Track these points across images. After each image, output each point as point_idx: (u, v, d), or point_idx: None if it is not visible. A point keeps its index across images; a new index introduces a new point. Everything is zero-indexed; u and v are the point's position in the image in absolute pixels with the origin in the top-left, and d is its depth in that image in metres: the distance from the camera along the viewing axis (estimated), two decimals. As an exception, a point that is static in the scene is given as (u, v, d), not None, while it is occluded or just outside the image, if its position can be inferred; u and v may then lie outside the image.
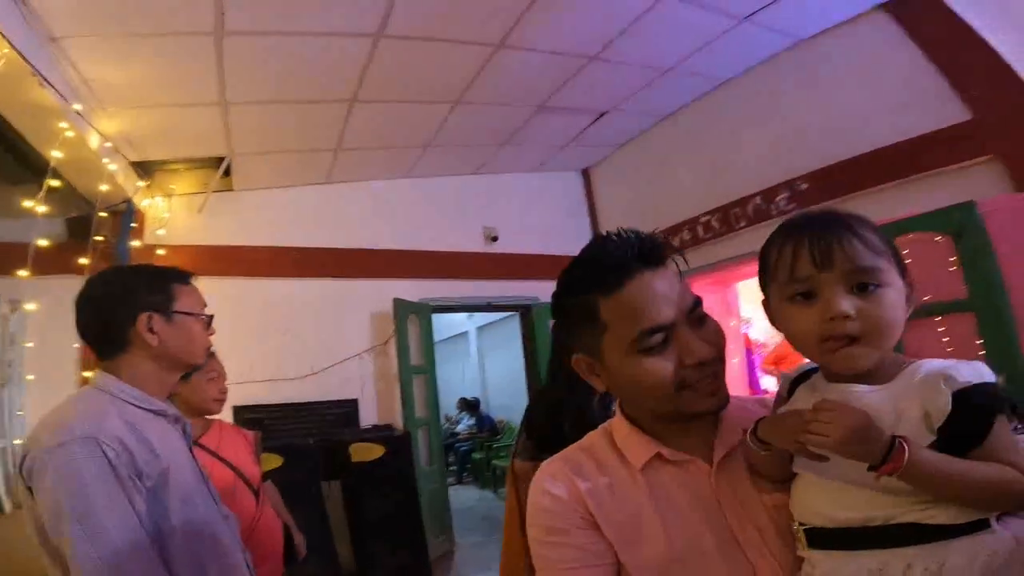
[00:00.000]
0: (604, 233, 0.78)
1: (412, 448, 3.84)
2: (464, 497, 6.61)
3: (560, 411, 1.61)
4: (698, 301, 0.75)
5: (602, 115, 4.33)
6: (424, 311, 4.64)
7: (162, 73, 2.93)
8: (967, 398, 0.59)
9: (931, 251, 2.99)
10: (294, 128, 3.76)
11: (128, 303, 1.13)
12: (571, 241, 5.26)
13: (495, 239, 5.05)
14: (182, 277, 1.23)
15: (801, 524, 0.68)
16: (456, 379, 9.43)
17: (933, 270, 2.94)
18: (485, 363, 9.00)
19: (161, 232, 3.98)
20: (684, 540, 0.71)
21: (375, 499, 3.60)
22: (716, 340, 0.74)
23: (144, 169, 3.85)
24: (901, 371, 0.65)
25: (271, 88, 3.27)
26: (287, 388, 4.12)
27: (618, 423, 0.82)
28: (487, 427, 7.83)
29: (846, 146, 3.32)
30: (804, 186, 3.57)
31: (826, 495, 0.65)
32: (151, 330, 1.13)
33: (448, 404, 9.13)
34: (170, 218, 4.12)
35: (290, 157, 4.18)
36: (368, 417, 4.30)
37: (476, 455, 7.60)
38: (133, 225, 3.81)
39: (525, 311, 5.20)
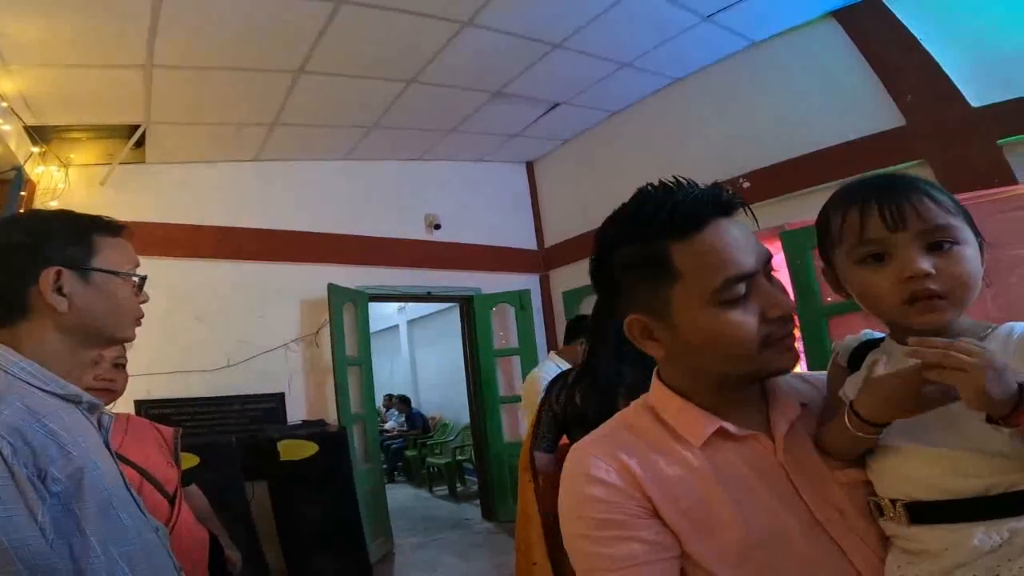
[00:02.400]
0: (656, 183, 0.69)
1: (346, 445, 3.58)
2: (399, 496, 6.39)
3: (614, 389, 1.43)
4: (771, 254, 0.69)
5: (555, 106, 4.27)
6: (361, 299, 4.38)
7: (86, 30, 2.60)
8: None
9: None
10: (227, 99, 3.43)
11: (29, 255, 0.87)
12: (514, 234, 5.30)
13: (437, 227, 4.88)
14: (109, 227, 0.97)
15: (896, 499, 0.63)
16: (385, 375, 9.11)
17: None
18: (416, 358, 8.73)
19: (54, 204, 3.50)
20: (764, 524, 0.63)
21: (308, 500, 3.33)
22: (789, 295, 0.68)
23: (40, 134, 3.40)
24: (990, 333, 0.63)
25: (209, 53, 2.96)
26: (201, 381, 3.75)
27: (663, 397, 0.73)
28: (419, 424, 7.58)
29: (789, 147, 3.44)
30: (747, 184, 3.67)
31: (937, 465, 0.60)
32: (60, 291, 0.87)
33: (376, 400, 8.81)
34: (67, 189, 3.65)
35: (217, 130, 3.81)
36: (296, 412, 4.00)
37: (409, 453, 7.34)
38: (22, 194, 3.33)
39: (466, 302, 5.04)
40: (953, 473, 0.59)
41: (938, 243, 0.62)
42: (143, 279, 1.00)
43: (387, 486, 6.72)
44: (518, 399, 4.74)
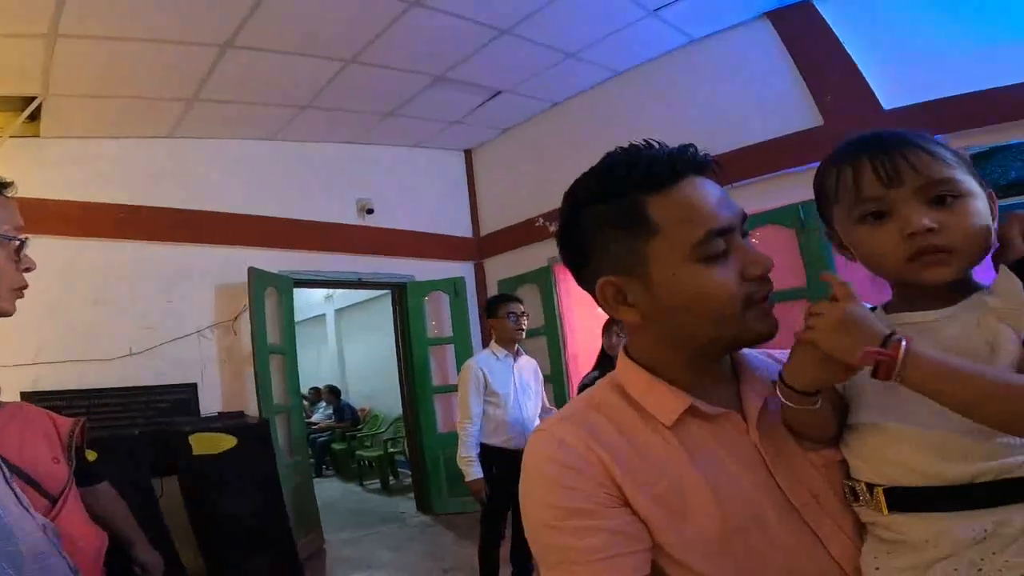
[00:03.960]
0: (628, 143, 0.67)
1: (269, 438, 3.37)
2: (329, 491, 6.15)
3: None
4: (746, 213, 0.66)
5: (497, 94, 4.21)
6: (285, 284, 4.14)
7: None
8: None
9: (780, 243, 3.35)
10: (140, 72, 3.15)
11: None
12: (449, 221, 5.20)
13: (370, 212, 4.70)
14: None
15: (874, 484, 0.59)
16: (311, 365, 8.74)
17: (781, 260, 3.29)
18: (344, 348, 8.43)
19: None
20: (741, 509, 0.59)
21: (228, 496, 3.09)
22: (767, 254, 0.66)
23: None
24: (971, 293, 0.60)
25: (124, 22, 2.71)
26: (100, 371, 3.41)
27: (629, 373, 0.69)
28: (347, 416, 7.32)
29: (719, 143, 3.53)
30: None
31: (922, 447, 0.56)
32: None
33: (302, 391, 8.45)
34: (-56, 161, 3.18)
35: (126, 104, 3.47)
36: (211, 404, 3.72)
37: (337, 446, 7.07)
38: None
39: (399, 290, 4.89)
40: (939, 456, 0.55)
41: (940, 197, 0.59)
42: (22, 242, 0.85)
43: (315, 481, 6.51)
44: (452, 389, 4.68)
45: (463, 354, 4.71)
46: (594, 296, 0.68)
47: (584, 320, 4.35)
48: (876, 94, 3.01)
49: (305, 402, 8.11)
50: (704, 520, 0.59)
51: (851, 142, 0.64)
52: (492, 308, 2.94)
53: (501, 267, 5.01)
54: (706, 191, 0.63)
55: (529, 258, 4.68)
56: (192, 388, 3.68)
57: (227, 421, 3.39)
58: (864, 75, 3.02)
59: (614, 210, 0.64)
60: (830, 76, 3.14)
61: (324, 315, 8.58)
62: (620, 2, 3.18)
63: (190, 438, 3.10)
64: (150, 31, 2.82)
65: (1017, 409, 0.49)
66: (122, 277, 3.60)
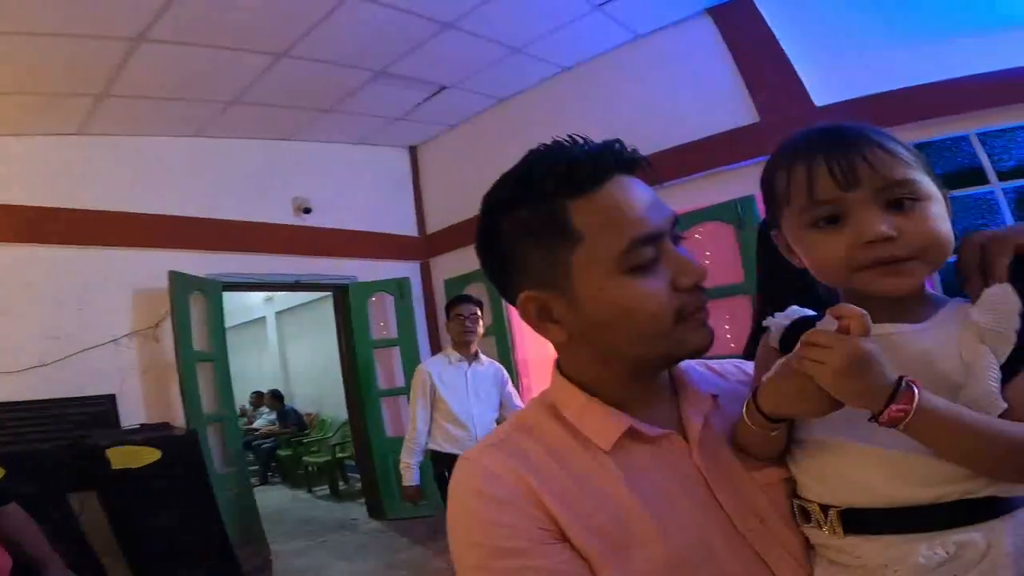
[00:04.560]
0: (548, 142, 0.61)
1: (199, 448, 3.18)
2: (274, 499, 5.91)
3: None
4: (676, 215, 0.61)
5: (442, 90, 4.10)
6: (213, 288, 3.92)
7: None
8: None
9: (719, 239, 3.41)
10: (44, 67, 2.92)
11: None
12: (394, 220, 5.05)
13: (307, 211, 4.50)
14: None
15: (828, 505, 0.55)
16: (252, 370, 8.39)
17: (720, 257, 3.35)
18: (287, 352, 8.12)
19: None
20: (686, 538, 0.55)
21: (155, 511, 2.90)
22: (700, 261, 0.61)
23: None
24: (940, 306, 0.56)
25: (21, 17, 2.51)
26: (7, 384, 3.15)
27: (563, 392, 0.63)
28: (292, 421, 7.05)
29: (660, 139, 3.56)
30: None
31: (883, 468, 0.52)
32: None
33: (242, 398, 8.09)
34: None
35: (30, 100, 3.20)
36: (132, 415, 3.48)
37: (283, 452, 6.80)
38: None
39: (341, 291, 4.72)
40: (902, 478, 0.51)
41: (898, 200, 0.54)
42: None
43: (260, 489, 6.26)
44: (400, 392, 4.58)
45: (409, 356, 4.62)
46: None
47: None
48: (808, 91, 3.08)
49: (248, 408, 7.82)
50: (647, 552, 0.54)
51: (806, 137, 0.58)
52: (446, 309, 2.87)
53: (448, 266, 4.91)
54: (633, 193, 0.58)
55: (472, 256, 4.59)
56: (110, 400, 3.43)
57: (150, 433, 3.17)
58: (797, 72, 3.08)
59: (533, 217, 0.58)
60: (766, 73, 3.20)
61: (264, 318, 8.25)
62: (569, -5, 3.14)
63: (107, 452, 2.88)
64: (55, 24, 2.62)
65: (1015, 461, 0.47)
66: (29, 284, 3.31)
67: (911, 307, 0.56)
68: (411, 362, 4.62)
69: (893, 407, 0.46)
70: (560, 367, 0.65)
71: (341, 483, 5.98)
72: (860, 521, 0.53)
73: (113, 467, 2.86)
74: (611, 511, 0.55)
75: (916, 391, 0.47)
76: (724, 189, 3.33)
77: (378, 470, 4.55)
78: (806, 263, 0.59)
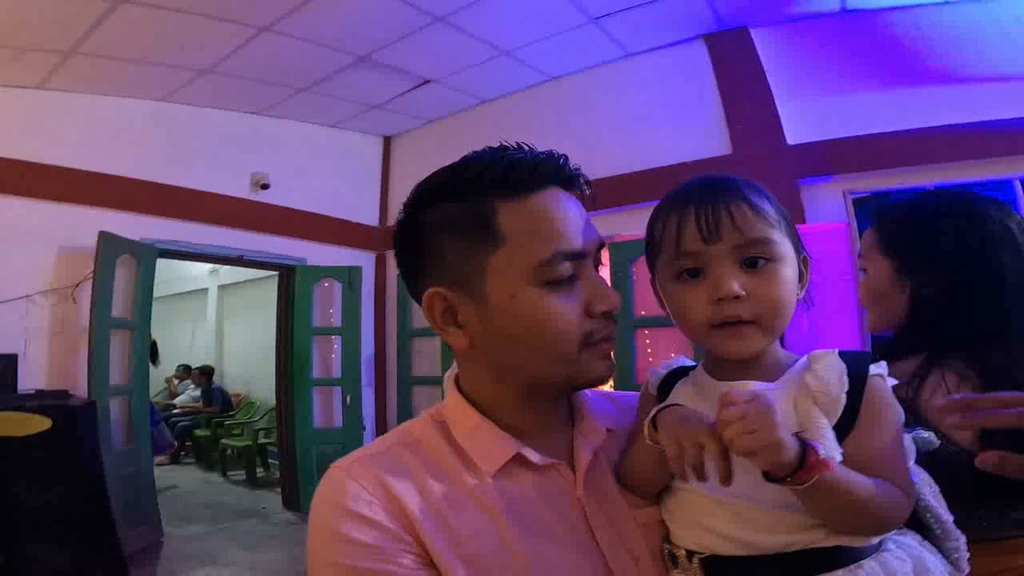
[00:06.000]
0: (500, 144, 0.61)
1: (96, 421, 2.91)
2: (184, 480, 5.59)
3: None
4: (604, 241, 0.61)
5: (424, 83, 3.99)
6: (146, 253, 3.67)
7: None
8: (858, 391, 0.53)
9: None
10: (8, 19, 2.77)
11: None
12: (356, 207, 4.88)
13: (265, 187, 4.32)
14: None
15: (693, 552, 0.55)
16: (185, 342, 7.96)
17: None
18: (224, 328, 7.74)
19: None
20: (555, 572, 0.54)
21: (34, 485, 2.65)
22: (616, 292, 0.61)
23: None
24: (791, 366, 0.57)
25: None
26: None
27: (457, 410, 0.62)
28: (217, 401, 6.68)
29: (632, 160, 3.54)
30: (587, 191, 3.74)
31: (735, 515, 0.53)
32: None
33: (172, 369, 7.67)
34: None
35: None
36: (32, 379, 3.19)
37: (200, 432, 6.42)
38: None
39: (287, 272, 4.50)
40: (751, 526, 0.52)
41: (752, 259, 0.55)
42: None
43: (168, 468, 5.97)
44: (335, 383, 4.45)
45: (352, 347, 4.47)
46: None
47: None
48: (784, 128, 3.09)
49: (175, 381, 7.39)
50: None
51: (687, 187, 0.59)
52: None
53: (406, 261, 4.75)
54: (565, 208, 0.57)
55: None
56: (10, 360, 3.14)
57: (46, 400, 2.90)
58: (777, 108, 3.09)
59: (458, 212, 0.57)
60: (747, 106, 3.20)
61: (206, 289, 7.85)
62: (563, 5, 3.08)
63: (-9, 418, 2.60)
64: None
65: (873, 519, 0.50)
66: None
67: (763, 365, 0.56)
68: (352, 354, 4.45)
69: (803, 474, 0.45)
70: (458, 382, 0.64)
71: (260, 469, 5.70)
72: (722, 569, 0.53)
73: (-3, 434, 2.59)
74: (484, 539, 0.54)
75: (818, 454, 0.46)
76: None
77: (300, 459, 4.35)
78: (672, 316, 0.59)
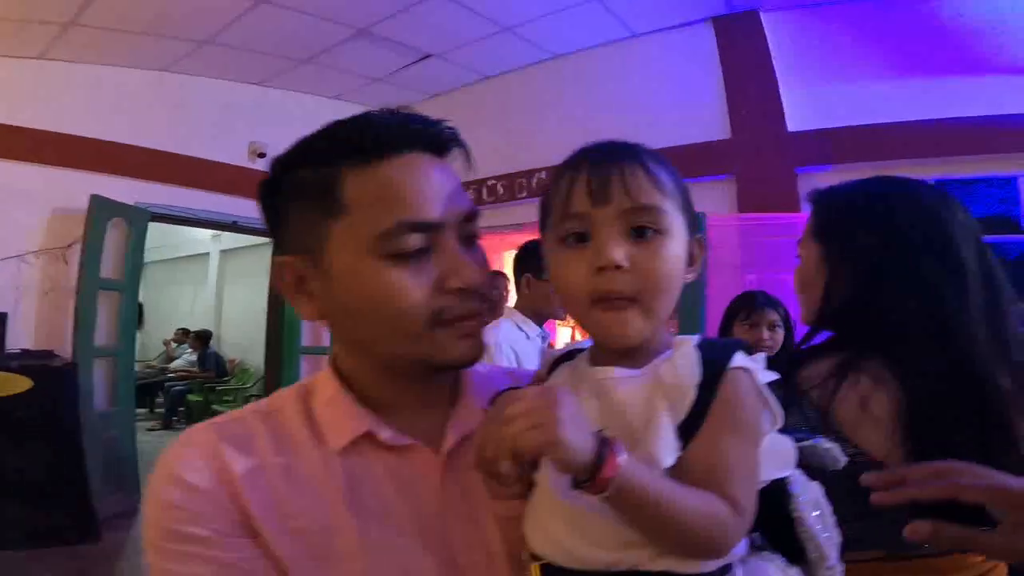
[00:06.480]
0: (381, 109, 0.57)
1: (77, 383, 2.94)
2: (172, 446, 5.65)
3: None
4: (476, 212, 0.57)
5: (426, 57, 3.91)
6: (138, 216, 3.68)
7: None
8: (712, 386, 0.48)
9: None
10: None
11: None
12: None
13: (262, 156, 4.30)
14: None
15: (535, 556, 0.50)
16: (186, 306, 8.01)
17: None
18: (224, 293, 7.77)
19: None
20: (393, 562, 0.51)
21: (11, 447, 2.69)
22: (485, 269, 0.58)
23: None
24: (662, 353, 0.52)
25: None
26: None
27: (322, 379, 0.59)
28: (212, 366, 6.74)
29: (630, 140, 3.44)
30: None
31: (570, 524, 0.47)
32: None
33: (170, 332, 7.74)
34: None
35: None
36: (20, 339, 3.23)
37: (194, 397, 6.50)
38: None
39: (279, 239, 4.49)
40: (582, 537, 0.47)
41: (640, 228, 0.50)
42: None
43: (160, 434, 6.04)
44: (323, 351, 4.44)
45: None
46: None
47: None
48: (786, 115, 2.99)
49: (173, 345, 7.46)
50: (346, 570, 0.50)
51: (585, 148, 0.54)
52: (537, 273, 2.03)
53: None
54: (423, 175, 0.53)
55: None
56: (0, 319, 3.15)
57: (30, 360, 2.92)
58: (781, 94, 2.98)
59: (307, 178, 0.53)
60: (751, 91, 3.09)
61: (208, 254, 7.86)
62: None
63: (-27, 375, 2.63)
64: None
65: (691, 541, 0.44)
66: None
67: (641, 352, 0.51)
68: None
69: (603, 470, 0.41)
70: (334, 355, 0.61)
71: (254, 436, 5.77)
72: None
73: (-25, 391, 2.62)
74: (319, 518, 0.51)
75: (616, 454, 0.41)
76: (684, 202, 3.24)
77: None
78: (554, 285, 0.54)
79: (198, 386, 6.57)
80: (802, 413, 0.78)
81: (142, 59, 3.71)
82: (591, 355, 0.55)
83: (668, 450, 0.45)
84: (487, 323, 0.57)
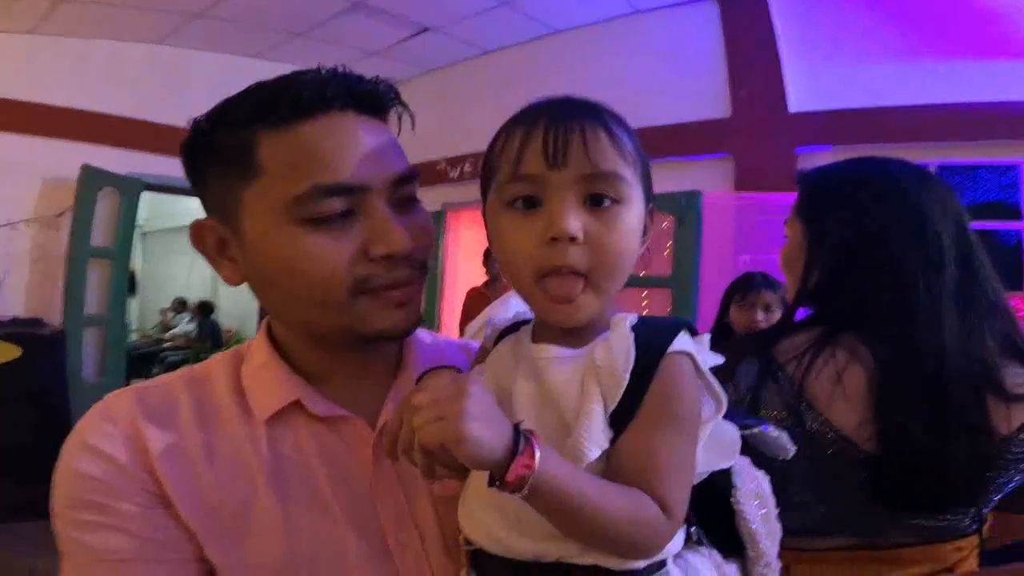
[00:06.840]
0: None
1: (64, 351, 2.93)
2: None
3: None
4: (411, 174, 0.54)
5: (424, 31, 3.83)
6: (130, 186, 3.66)
7: None
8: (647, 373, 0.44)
9: (656, 230, 3.29)
10: None
11: None
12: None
13: (256, 128, 4.23)
14: None
15: (468, 542, 0.48)
16: (182, 276, 8.00)
17: (650, 246, 3.25)
18: (222, 263, 7.76)
19: None
20: (314, 539, 0.49)
21: (-1, 417, 2.67)
22: (421, 236, 0.53)
23: None
24: (605, 331, 0.47)
25: None
26: None
27: (257, 347, 0.56)
28: (208, 335, 6.76)
29: (628, 118, 3.37)
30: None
31: (498, 511, 0.46)
32: None
33: (165, 302, 7.74)
34: None
35: None
36: (10, 306, 3.24)
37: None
38: None
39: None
40: (510, 525, 0.45)
41: (598, 196, 0.45)
42: None
43: None
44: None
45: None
46: None
47: (468, 274, 4.19)
48: (787, 95, 2.93)
49: (171, 315, 7.47)
50: (264, 544, 0.48)
51: (540, 101, 0.49)
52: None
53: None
54: (345, 136, 0.49)
55: (424, 200, 4.41)
56: (-11, 285, 3.14)
57: (18, 328, 2.90)
58: (784, 74, 2.91)
59: (224, 141, 0.51)
60: (753, 71, 3.02)
61: (204, 224, 7.82)
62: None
63: (-41, 342, 2.61)
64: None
65: (615, 540, 0.42)
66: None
67: (584, 328, 0.47)
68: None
69: (515, 471, 0.38)
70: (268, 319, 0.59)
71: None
72: (486, 566, 0.47)
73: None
74: (236, 491, 0.49)
75: (536, 446, 0.38)
76: (672, 179, 3.18)
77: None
78: (495, 253, 0.49)
79: (194, 356, 6.60)
80: (777, 386, 0.78)
81: (135, 32, 3.68)
82: (533, 330, 0.51)
83: (597, 442, 0.42)
84: (420, 290, 0.54)
